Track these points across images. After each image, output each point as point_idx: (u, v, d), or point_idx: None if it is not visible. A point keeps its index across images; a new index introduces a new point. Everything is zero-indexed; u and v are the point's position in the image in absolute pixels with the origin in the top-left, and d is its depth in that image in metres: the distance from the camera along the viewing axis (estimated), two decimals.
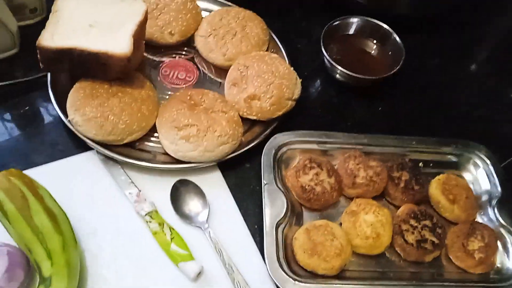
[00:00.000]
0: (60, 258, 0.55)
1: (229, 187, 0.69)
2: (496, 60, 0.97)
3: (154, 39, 0.79)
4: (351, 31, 0.86)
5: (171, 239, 0.61)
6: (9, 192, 0.56)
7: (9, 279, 0.54)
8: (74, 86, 0.69)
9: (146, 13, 0.70)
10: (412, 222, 0.65)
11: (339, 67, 0.79)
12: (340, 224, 0.67)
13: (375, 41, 0.86)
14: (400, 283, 0.63)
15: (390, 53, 0.84)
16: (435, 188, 0.71)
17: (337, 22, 0.85)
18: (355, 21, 0.86)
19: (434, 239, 0.64)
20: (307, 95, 0.82)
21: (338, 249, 0.61)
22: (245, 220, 0.66)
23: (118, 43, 0.66)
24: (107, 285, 0.59)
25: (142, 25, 0.70)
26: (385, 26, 0.85)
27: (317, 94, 0.84)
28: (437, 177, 0.72)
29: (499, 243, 0.68)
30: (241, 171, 0.71)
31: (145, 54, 0.79)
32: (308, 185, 0.66)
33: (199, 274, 0.60)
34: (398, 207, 0.69)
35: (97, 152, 0.68)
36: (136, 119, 0.67)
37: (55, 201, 0.60)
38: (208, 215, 0.65)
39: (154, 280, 0.60)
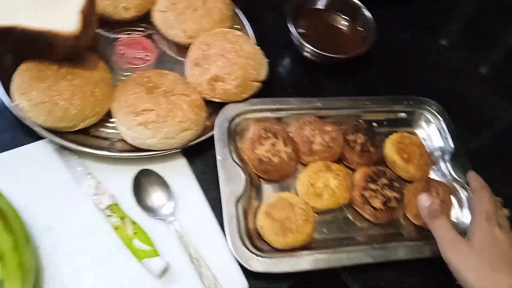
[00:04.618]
0: (12, 259, 0.51)
1: (195, 174, 0.65)
2: (468, 33, 0.96)
3: (107, 15, 0.73)
4: (320, 5, 0.82)
5: (134, 234, 0.57)
6: None
7: None
8: (19, 67, 0.63)
9: None
10: (372, 186, 0.64)
11: (308, 45, 0.75)
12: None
13: (345, 16, 0.82)
14: (359, 248, 0.61)
15: (361, 28, 0.81)
16: (389, 148, 0.70)
17: None
18: None
19: (395, 194, 0.64)
20: (275, 74, 0.77)
21: (303, 215, 0.60)
22: (213, 209, 0.63)
23: (64, 20, 0.59)
24: (65, 286, 0.55)
25: None
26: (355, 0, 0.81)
27: (285, 74, 0.80)
28: (390, 137, 0.71)
29: (453, 198, 0.68)
30: (207, 158, 0.67)
31: (98, 30, 0.73)
32: (265, 157, 0.64)
33: (165, 270, 0.57)
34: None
35: (50, 141, 0.63)
36: (89, 103, 0.62)
37: (4, 197, 0.55)
38: (174, 207, 0.61)
39: (117, 279, 0.56)
